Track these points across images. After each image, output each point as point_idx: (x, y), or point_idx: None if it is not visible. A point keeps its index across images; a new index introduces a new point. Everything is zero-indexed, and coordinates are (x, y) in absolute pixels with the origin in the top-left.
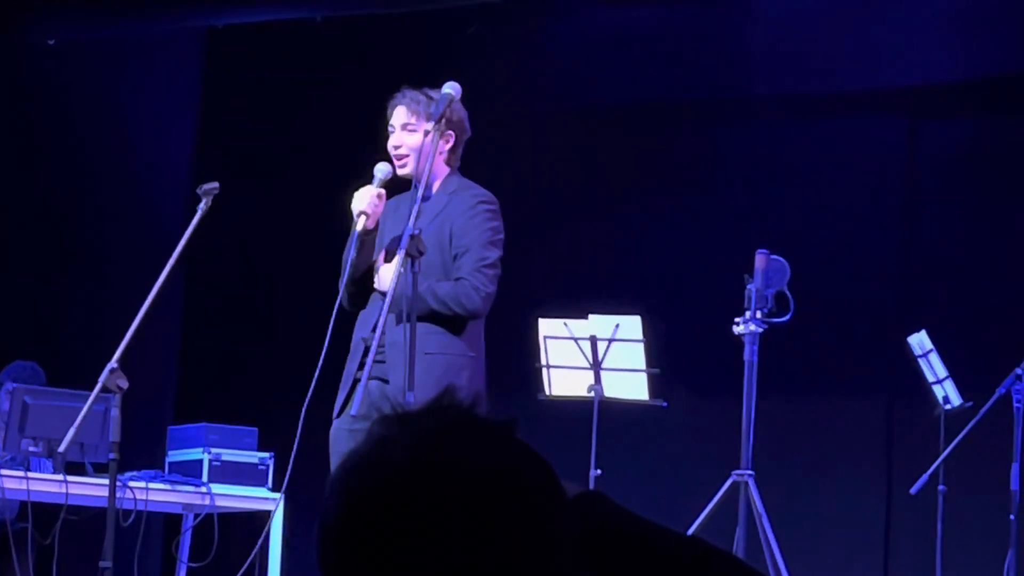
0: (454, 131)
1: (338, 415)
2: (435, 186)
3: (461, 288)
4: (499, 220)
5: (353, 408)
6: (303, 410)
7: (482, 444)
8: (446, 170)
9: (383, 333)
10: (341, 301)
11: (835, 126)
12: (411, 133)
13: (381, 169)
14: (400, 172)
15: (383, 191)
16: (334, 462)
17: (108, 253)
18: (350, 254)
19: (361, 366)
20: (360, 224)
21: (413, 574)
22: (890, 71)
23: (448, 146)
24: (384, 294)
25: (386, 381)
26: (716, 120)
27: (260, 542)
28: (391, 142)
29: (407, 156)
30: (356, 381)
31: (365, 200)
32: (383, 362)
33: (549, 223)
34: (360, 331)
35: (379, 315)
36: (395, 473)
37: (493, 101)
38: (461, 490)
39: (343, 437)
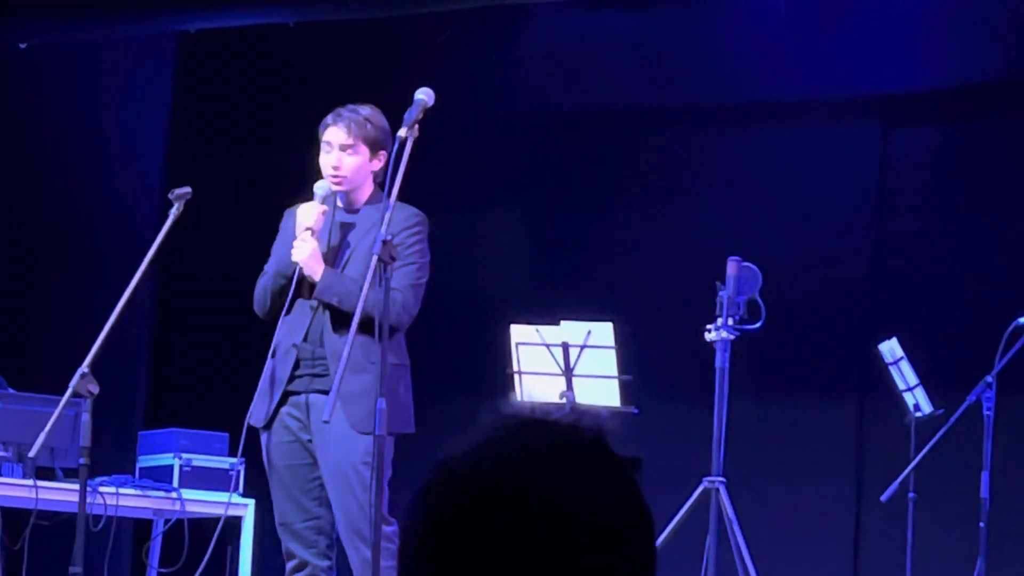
0: (384, 150)
1: (266, 425)
2: (362, 200)
3: (395, 299)
4: (427, 243)
5: (325, 414)
6: (247, 419)
7: (595, 475)
8: (371, 187)
9: (306, 341)
10: (259, 308)
11: (807, 133)
12: (351, 155)
13: (322, 186)
14: (334, 188)
15: (327, 207)
16: (273, 477)
17: (80, 258)
18: (291, 267)
19: (292, 378)
20: (306, 238)
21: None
22: (863, 78)
23: (380, 165)
24: (319, 302)
25: (324, 393)
26: (688, 126)
27: (228, 546)
28: (329, 161)
29: (345, 176)
30: (287, 392)
31: (312, 216)
32: (324, 375)
33: (521, 229)
34: (290, 336)
35: (309, 323)
36: (498, 476)
37: (466, 107)
38: (552, 514)
39: (278, 452)
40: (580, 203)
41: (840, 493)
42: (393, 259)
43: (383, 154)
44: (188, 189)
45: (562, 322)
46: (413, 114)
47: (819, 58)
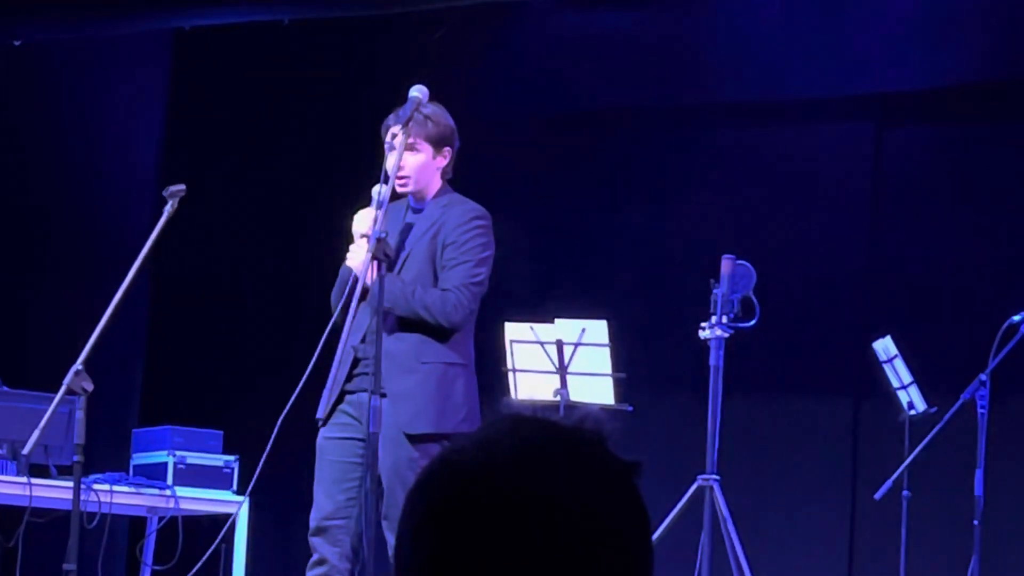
0: (450, 147)
1: (324, 423)
2: (428, 198)
3: (447, 300)
4: (490, 237)
5: (319, 411)
6: (282, 415)
7: (594, 475)
8: (439, 183)
9: (363, 342)
10: (334, 312)
11: (801, 132)
12: (414, 154)
13: (378, 191)
14: (400, 190)
15: (383, 213)
16: (317, 470)
17: (74, 255)
18: (349, 272)
19: (350, 377)
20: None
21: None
22: (857, 77)
23: (445, 162)
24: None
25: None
26: (683, 125)
27: (222, 544)
28: (393, 163)
29: (408, 176)
30: (344, 392)
31: (367, 222)
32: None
33: (515, 227)
34: (351, 339)
35: (368, 325)
36: (487, 473)
37: (458, 105)
38: (550, 512)
39: (328, 447)
40: (574, 201)
41: (834, 491)
42: (387, 256)
43: (448, 151)
44: (183, 186)
45: (556, 320)
46: (407, 112)
47: (813, 58)
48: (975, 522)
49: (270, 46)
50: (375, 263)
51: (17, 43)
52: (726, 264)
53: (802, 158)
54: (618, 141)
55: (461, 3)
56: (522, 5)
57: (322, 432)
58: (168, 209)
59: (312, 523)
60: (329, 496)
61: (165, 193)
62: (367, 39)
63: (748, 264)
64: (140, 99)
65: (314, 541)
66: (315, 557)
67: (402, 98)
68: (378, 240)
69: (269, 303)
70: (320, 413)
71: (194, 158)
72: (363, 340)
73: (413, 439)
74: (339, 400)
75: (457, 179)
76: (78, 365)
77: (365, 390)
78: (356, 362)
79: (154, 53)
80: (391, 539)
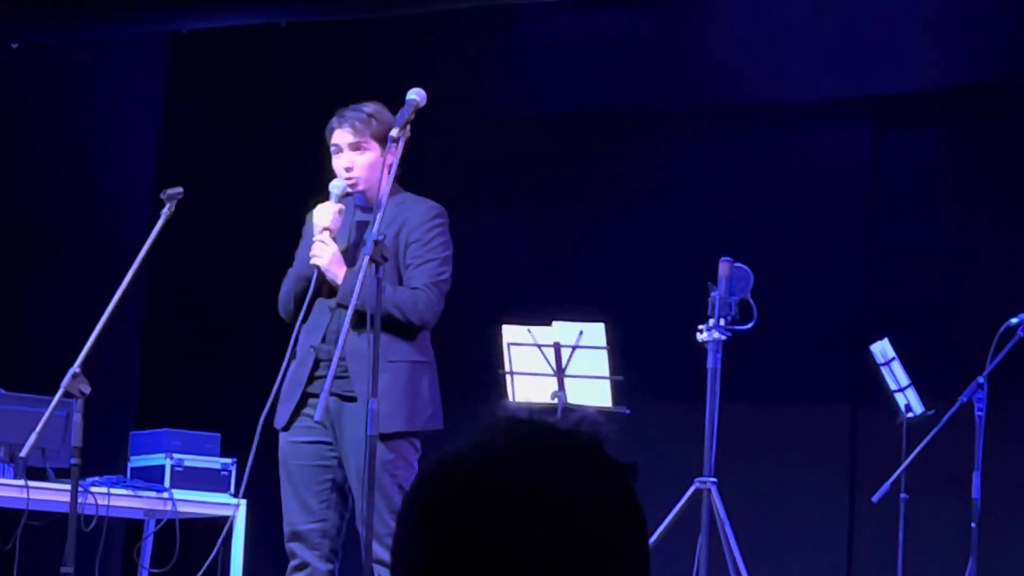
0: (396, 143)
1: (285, 427)
2: (383, 197)
3: (419, 298)
4: (449, 235)
5: (316, 414)
6: (261, 418)
7: (590, 477)
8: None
9: (337, 343)
10: (283, 311)
11: (798, 135)
12: (362, 152)
13: (337, 185)
14: (351, 190)
15: (343, 206)
16: (284, 477)
17: (71, 258)
18: (310, 270)
19: (311, 379)
20: (326, 240)
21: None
22: (854, 80)
23: (393, 158)
24: (339, 303)
25: (346, 398)
26: (680, 128)
27: (220, 547)
28: (341, 163)
29: (359, 176)
30: (307, 394)
31: (328, 216)
32: (344, 377)
33: (513, 230)
34: (308, 339)
35: (327, 323)
36: (483, 472)
37: (457, 107)
38: (544, 512)
39: (293, 451)
40: (572, 203)
41: (832, 494)
42: (384, 259)
43: (395, 147)
44: (180, 189)
45: (554, 322)
46: (405, 115)
47: (810, 60)
48: (973, 525)
49: (268, 49)
50: (372, 265)
51: (14, 46)
52: (724, 266)
53: (799, 160)
54: (615, 143)
55: (459, 5)
56: (521, 6)
57: (284, 436)
58: (165, 212)
59: (286, 528)
60: (300, 501)
61: (163, 196)
62: (365, 42)
63: (746, 267)
64: (138, 102)
65: (292, 547)
66: (295, 562)
67: (400, 100)
68: (375, 243)
69: (266, 306)
70: (280, 423)
71: (191, 161)
72: (323, 340)
73: (385, 438)
74: (301, 403)
75: (454, 180)
76: (75, 368)
77: (332, 392)
78: (317, 363)
79: (151, 56)
80: (367, 540)
